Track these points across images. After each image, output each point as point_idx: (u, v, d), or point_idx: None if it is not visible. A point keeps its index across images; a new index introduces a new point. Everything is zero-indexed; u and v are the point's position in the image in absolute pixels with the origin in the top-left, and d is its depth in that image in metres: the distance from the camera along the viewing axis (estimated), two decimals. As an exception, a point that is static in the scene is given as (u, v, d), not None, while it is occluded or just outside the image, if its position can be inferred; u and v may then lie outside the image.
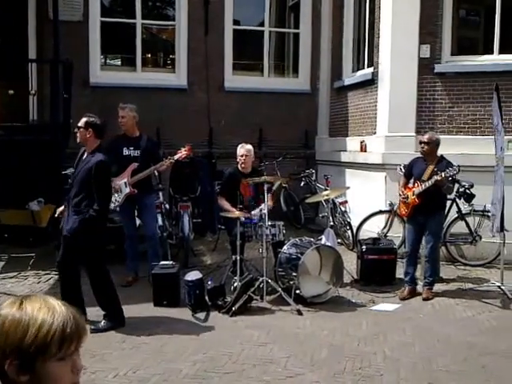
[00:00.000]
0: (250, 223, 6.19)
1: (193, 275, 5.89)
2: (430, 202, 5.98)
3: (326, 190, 7.66)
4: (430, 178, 5.92)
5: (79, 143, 5.22)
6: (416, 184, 6.08)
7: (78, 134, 5.17)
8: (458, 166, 5.93)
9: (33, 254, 7.60)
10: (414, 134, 7.71)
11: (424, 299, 6.02)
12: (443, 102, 7.94)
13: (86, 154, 5.17)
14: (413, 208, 6.10)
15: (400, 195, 6.32)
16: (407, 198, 6.13)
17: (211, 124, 10.01)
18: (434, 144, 6.11)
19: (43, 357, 1.25)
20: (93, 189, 4.97)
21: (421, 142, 6.15)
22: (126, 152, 6.54)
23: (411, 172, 6.28)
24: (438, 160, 6.07)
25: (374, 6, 8.71)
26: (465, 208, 7.31)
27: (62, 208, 5.37)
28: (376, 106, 8.43)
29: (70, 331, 1.28)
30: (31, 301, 1.31)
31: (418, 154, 6.41)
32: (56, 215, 5.47)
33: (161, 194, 7.58)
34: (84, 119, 5.16)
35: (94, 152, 5.08)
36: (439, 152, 6.18)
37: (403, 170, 6.70)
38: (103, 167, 5.04)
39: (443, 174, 5.74)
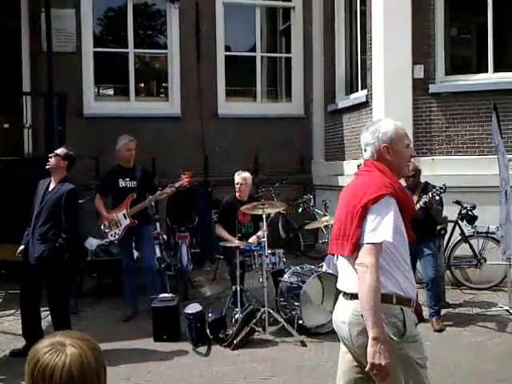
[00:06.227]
0: (249, 251, 6.10)
1: (193, 308, 5.76)
2: (420, 228, 5.89)
3: (324, 215, 7.57)
4: (417, 203, 5.88)
5: (48, 169, 5.32)
6: None
7: (50, 160, 5.28)
8: (444, 184, 5.88)
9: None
10: (412, 155, 7.63)
11: (436, 331, 5.84)
12: (440, 123, 7.89)
13: (52, 185, 5.28)
14: None
15: None
16: None
17: (206, 152, 9.96)
18: (419, 173, 6.16)
19: None
20: (62, 217, 5.11)
21: (407, 176, 6.09)
22: (122, 184, 6.51)
23: None
24: (423, 186, 6.08)
25: (365, 28, 8.71)
26: (468, 230, 7.21)
27: (21, 248, 5.35)
28: (371, 128, 8.35)
29: None
30: None
31: None
32: (17, 254, 5.39)
33: (158, 224, 7.47)
34: (64, 150, 5.36)
35: (63, 182, 5.25)
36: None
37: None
38: (74, 196, 5.25)
39: (430, 194, 5.75)
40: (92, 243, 7.52)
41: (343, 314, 2.68)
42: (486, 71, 7.88)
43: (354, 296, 2.60)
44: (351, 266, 2.65)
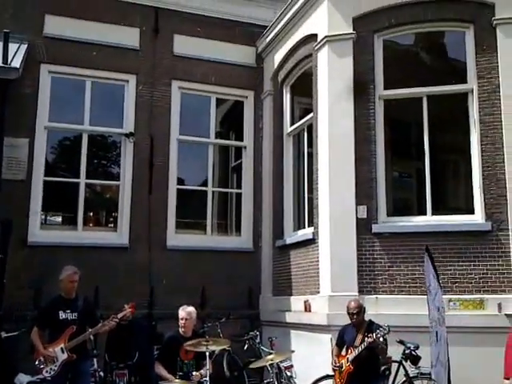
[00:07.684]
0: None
1: None
2: (365, 368, 5.93)
3: (270, 353, 7.40)
4: (362, 342, 5.93)
5: None
6: (349, 350, 6.06)
7: None
8: (388, 326, 5.96)
9: None
10: (356, 293, 7.73)
11: None
12: (382, 262, 8.07)
13: None
14: (348, 376, 5.97)
15: (333, 365, 6.24)
16: (341, 366, 6.05)
17: (152, 283, 9.78)
18: (363, 311, 6.27)
19: None
20: None
21: (352, 314, 6.18)
22: (62, 316, 6.30)
23: (343, 340, 6.28)
24: (367, 324, 6.16)
25: (311, 169, 9.15)
26: (412, 371, 7.14)
27: None
28: (318, 265, 8.50)
29: None
30: None
31: None
32: None
33: (95, 360, 7.11)
34: None
35: None
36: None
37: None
38: None
39: (374, 335, 5.83)
40: (22, 380, 7.07)
41: None
42: (425, 214, 8.28)
43: None
44: None
